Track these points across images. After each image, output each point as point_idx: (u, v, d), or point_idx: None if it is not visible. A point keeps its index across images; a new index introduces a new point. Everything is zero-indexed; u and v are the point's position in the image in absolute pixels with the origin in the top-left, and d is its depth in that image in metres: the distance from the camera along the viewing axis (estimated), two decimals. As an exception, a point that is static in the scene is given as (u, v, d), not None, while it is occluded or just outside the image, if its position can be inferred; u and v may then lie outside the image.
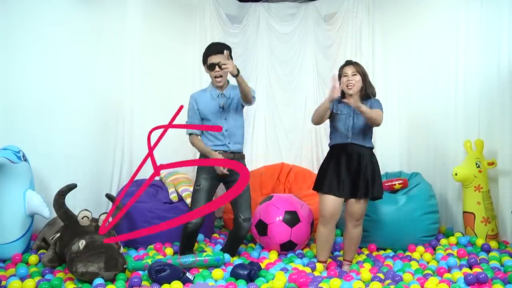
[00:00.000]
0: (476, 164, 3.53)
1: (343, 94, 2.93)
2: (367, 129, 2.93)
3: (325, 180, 2.94)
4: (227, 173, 3.01)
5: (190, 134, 3.14)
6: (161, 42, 4.23)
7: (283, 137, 4.80)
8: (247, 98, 3.01)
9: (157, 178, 4.01)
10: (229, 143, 3.09)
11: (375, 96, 2.98)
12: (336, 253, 3.36)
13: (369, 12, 4.50)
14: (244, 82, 2.94)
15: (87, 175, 3.70)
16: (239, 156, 3.14)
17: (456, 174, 3.51)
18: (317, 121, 2.97)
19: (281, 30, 4.78)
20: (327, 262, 3.04)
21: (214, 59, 3.00)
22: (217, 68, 3.00)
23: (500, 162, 3.54)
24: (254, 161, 4.73)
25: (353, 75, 2.89)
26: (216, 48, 3.02)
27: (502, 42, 3.46)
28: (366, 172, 2.88)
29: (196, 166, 3.18)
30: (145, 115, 4.10)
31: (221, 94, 3.10)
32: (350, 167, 2.88)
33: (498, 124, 3.51)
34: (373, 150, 3.01)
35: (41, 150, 3.46)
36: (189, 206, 3.25)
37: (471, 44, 3.71)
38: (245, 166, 3.09)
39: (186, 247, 3.16)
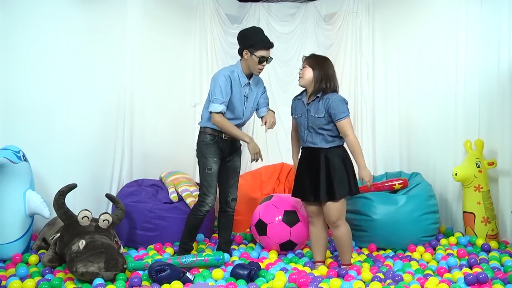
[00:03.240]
0: (476, 164, 3.52)
1: (302, 93, 2.99)
2: (324, 129, 2.83)
3: (295, 186, 3.01)
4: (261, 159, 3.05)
5: (219, 113, 2.92)
6: (161, 42, 4.23)
7: (283, 137, 4.79)
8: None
9: (157, 178, 4.02)
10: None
11: (336, 91, 2.87)
12: (336, 253, 3.34)
13: (369, 12, 4.51)
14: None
15: (87, 175, 3.70)
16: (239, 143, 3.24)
17: (456, 174, 3.49)
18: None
19: (281, 30, 4.77)
20: (326, 262, 3.05)
21: (265, 53, 3.01)
22: (265, 63, 3.02)
23: (500, 162, 3.52)
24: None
25: (302, 68, 2.90)
26: (270, 44, 3.04)
27: (502, 42, 3.46)
28: (330, 174, 2.81)
29: (201, 148, 3.08)
30: (145, 114, 4.11)
31: (248, 83, 3.10)
32: (310, 171, 2.88)
33: (498, 124, 3.51)
34: (343, 146, 2.91)
35: (41, 150, 3.46)
36: (201, 193, 3.11)
37: (471, 44, 3.69)
38: (240, 146, 3.23)
39: (192, 237, 3.15)
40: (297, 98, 3.02)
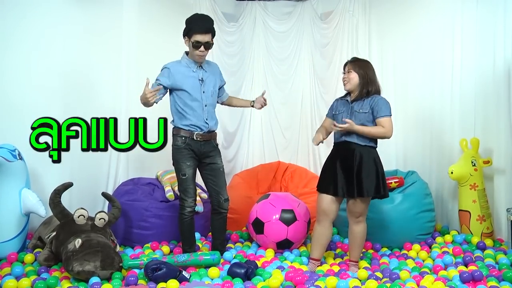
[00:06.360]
0: (472, 162, 3.54)
1: (346, 95, 3.03)
2: (364, 125, 2.89)
3: (322, 179, 3.00)
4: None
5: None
6: (157, 41, 4.22)
7: (280, 135, 4.81)
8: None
9: (153, 176, 4.01)
10: (207, 119, 3.07)
11: (379, 93, 2.97)
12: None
13: (365, 10, 4.52)
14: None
15: (83, 173, 3.69)
16: (215, 136, 3.16)
17: (452, 173, 3.53)
18: None
19: (278, 29, 4.78)
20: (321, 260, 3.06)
21: (200, 37, 2.94)
22: (202, 48, 2.96)
23: (496, 161, 3.55)
24: (250, 160, 4.75)
25: (348, 72, 2.96)
26: (204, 27, 2.95)
27: (497, 42, 3.48)
28: (361, 171, 2.84)
29: (174, 152, 3.09)
30: (141, 113, 4.01)
31: (199, 67, 3.07)
32: (344, 166, 2.89)
33: (494, 123, 3.52)
34: (376, 149, 2.96)
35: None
36: (180, 197, 3.13)
37: (467, 43, 3.72)
38: (217, 146, 3.18)
39: (189, 242, 3.12)
40: (341, 99, 3.07)
